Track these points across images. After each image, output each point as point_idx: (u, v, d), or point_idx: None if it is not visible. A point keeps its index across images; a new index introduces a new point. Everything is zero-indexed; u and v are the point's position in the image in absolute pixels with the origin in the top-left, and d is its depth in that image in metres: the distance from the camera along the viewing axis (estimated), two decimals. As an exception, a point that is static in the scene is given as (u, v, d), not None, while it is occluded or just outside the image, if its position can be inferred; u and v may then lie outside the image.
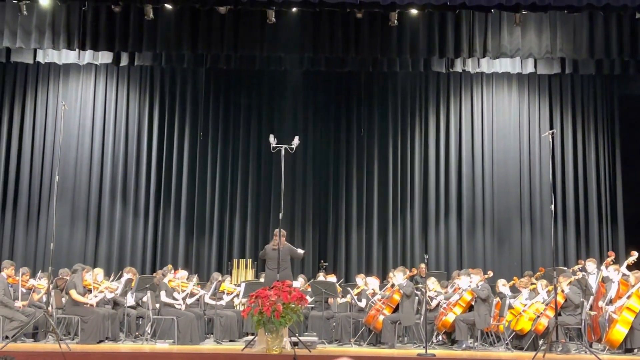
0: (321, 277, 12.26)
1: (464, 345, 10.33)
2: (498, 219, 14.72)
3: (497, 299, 10.89)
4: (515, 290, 11.40)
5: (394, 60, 13.40)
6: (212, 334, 11.27)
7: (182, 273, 11.37)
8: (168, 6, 11.75)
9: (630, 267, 10.68)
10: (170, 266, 11.68)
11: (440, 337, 11.16)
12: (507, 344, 10.42)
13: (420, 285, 11.42)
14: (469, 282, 10.73)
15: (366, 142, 15.08)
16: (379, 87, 15.21)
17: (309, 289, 11.49)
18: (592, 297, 10.58)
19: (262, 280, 11.70)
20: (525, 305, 10.47)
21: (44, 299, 10.72)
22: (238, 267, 13.99)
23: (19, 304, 10.43)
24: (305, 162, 14.97)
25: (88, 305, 10.29)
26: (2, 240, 14.36)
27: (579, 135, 14.96)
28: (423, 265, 13.08)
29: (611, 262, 10.99)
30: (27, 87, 14.85)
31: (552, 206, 10.15)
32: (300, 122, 15.03)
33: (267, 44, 12.22)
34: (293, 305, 8.95)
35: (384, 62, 13.48)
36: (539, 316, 10.14)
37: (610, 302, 10.15)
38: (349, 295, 11.50)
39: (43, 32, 11.99)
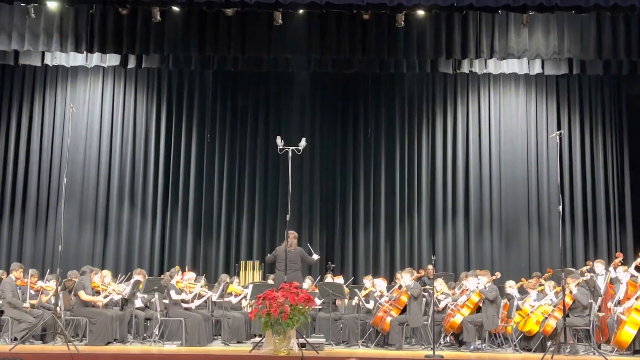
0: (329, 278, 12.26)
1: (471, 347, 10.31)
2: (506, 220, 14.69)
3: (505, 300, 10.87)
4: (523, 292, 11.36)
5: (401, 62, 13.38)
6: (219, 335, 11.29)
7: (190, 275, 11.40)
8: (175, 8, 11.77)
9: (638, 268, 10.64)
10: (178, 267, 11.70)
11: (448, 339, 11.15)
12: (515, 345, 10.41)
13: (427, 287, 11.41)
14: (476, 283, 10.72)
15: (373, 144, 15.07)
16: (386, 88, 15.20)
17: (317, 291, 11.49)
18: (600, 299, 10.54)
19: (270, 281, 11.73)
20: (533, 306, 10.44)
21: (52, 301, 10.75)
22: (245, 269, 14.00)
23: (26, 304, 10.48)
24: (312, 164, 14.98)
25: (97, 304, 10.31)
26: (11, 242, 14.43)
27: (587, 136, 14.92)
28: (430, 267, 13.04)
29: (619, 263, 10.95)
30: (35, 89, 14.91)
31: (560, 207, 10.12)
32: (307, 124, 15.04)
33: (274, 45, 12.22)
34: (300, 307, 8.95)
35: (391, 63, 13.46)
36: (547, 317, 10.12)
37: (619, 303, 10.12)
38: (356, 297, 11.50)
39: (51, 34, 12.04)
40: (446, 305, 11.06)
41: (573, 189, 14.71)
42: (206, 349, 10.14)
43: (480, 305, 10.56)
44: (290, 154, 10.42)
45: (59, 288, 10.50)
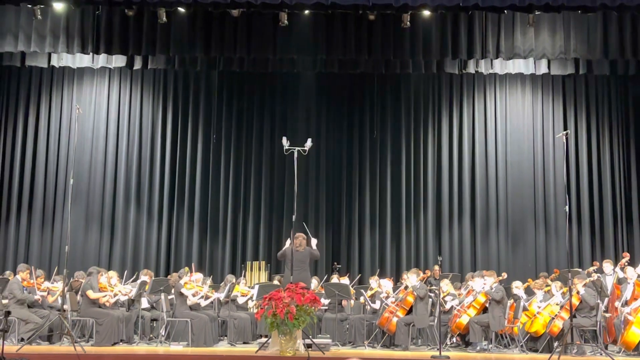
0: (335, 279, 12.25)
1: (478, 347, 10.30)
2: (512, 220, 14.67)
3: (512, 300, 10.85)
4: (529, 292, 11.34)
5: (406, 62, 13.37)
6: (225, 336, 11.29)
7: (198, 276, 11.41)
8: (181, 9, 11.79)
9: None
10: (187, 268, 11.72)
11: (454, 339, 11.13)
12: (521, 346, 10.38)
13: (434, 287, 11.40)
14: (482, 284, 10.70)
15: (379, 144, 15.06)
16: (391, 89, 15.19)
17: (323, 291, 11.49)
18: (607, 299, 10.51)
19: (276, 282, 11.74)
20: (540, 307, 10.42)
21: (59, 301, 10.78)
22: (251, 269, 14.01)
23: (37, 296, 10.54)
24: (318, 164, 14.98)
25: (105, 300, 10.33)
26: (18, 243, 14.49)
27: (593, 136, 14.88)
28: (437, 267, 13.04)
29: (626, 264, 10.91)
30: (41, 91, 14.97)
31: (567, 207, 10.09)
32: (313, 124, 15.04)
33: (279, 46, 12.23)
34: (307, 307, 8.95)
35: (396, 63, 13.45)
36: (553, 318, 10.09)
37: (626, 303, 10.08)
38: (362, 297, 11.50)
39: (57, 36, 12.07)
40: (452, 306, 11.03)
41: (580, 189, 14.67)
42: (212, 349, 10.15)
43: (487, 305, 10.55)
44: (296, 154, 10.42)
45: (66, 289, 10.52)
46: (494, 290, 10.45)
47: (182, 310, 10.55)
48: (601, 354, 9.63)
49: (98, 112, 14.94)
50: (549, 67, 13.48)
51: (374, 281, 11.92)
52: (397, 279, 13.44)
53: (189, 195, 14.87)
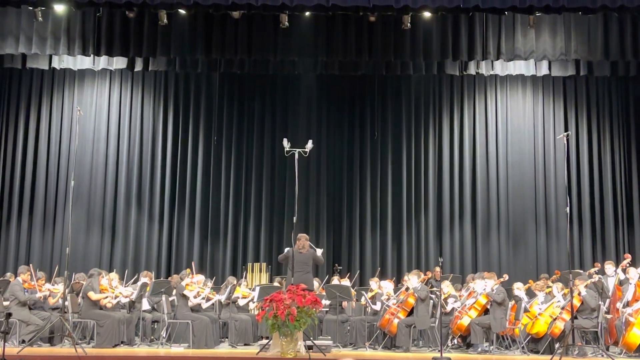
0: (335, 280, 12.25)
1: (479, 349, 10.29)
2: (513, 221, 14.66)
3: (513, 302, 10.84)
4: (531, 294, 11.34)
5: (407, 64, 13.39)
6: (226, 337, 11.28)
7: (199, 277, 11.41)
8: (182, 11, 11.81)
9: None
10: (188, 270, 11.74)
11: (455, 341, 11.12)
12: (522, 347, 10.37)
13: (435, 289, 11.39)
14: (484, 285, 10.70)
15: (380, 146, 15.06)
16: (392, 90, 15.19)
17: (324, 293, 11.48)
18: (608, 300, 10.50)
19: (276, 283, 11.73)
20: (541, 308, 10.42)
21: (60, 303, 10.78)
22: (252, 271, 14.00)
23: (39, 294, 10.54)
24: (319, 166, 14.98)
25: (106, 302, 10.33)
26: (19, 244, 14.49)
27: (594, 137, 14.88)
28: (438, 269, 13.02)
29: (627, 265, 10.90)
30: (42, 93, 14.97)
31: (568, 208, 10.08)
32: (313, 126, 15.04)
33: (280, 48, 12.25)
34: (307, 309, 8.94)
35: (397, 65, 13.47)
36: (554, 319, 10.08)
37: (627, 304, 10.07)
38: (363, 298, 11.49)
39: (58, 38, 12.09)
40: (453, 307, 11.02)
41: (581, 190, 14.67)
42: (213, 351, 10.14)
43: (488, 307, 10.54)
44: (296, 156, 10.41)
45: (67, 290, 10.52)
46: (495, 291, 10.44)
47: (183, 312, 10.55)
48: (602, 356, 9.62)
49: (99, 114, 14.95)
50: (549, 69, 13.49)
51: (374, 283, 11.91)
52: (398, 280, 13.43)
53: (190, 197, 14.87)
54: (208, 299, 11.14)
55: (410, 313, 10.69)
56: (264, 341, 10.33)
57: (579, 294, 9.98)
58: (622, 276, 10.84)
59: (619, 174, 14.72)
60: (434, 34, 12.06)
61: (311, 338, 9.59)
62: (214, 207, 14.87)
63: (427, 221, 14.85)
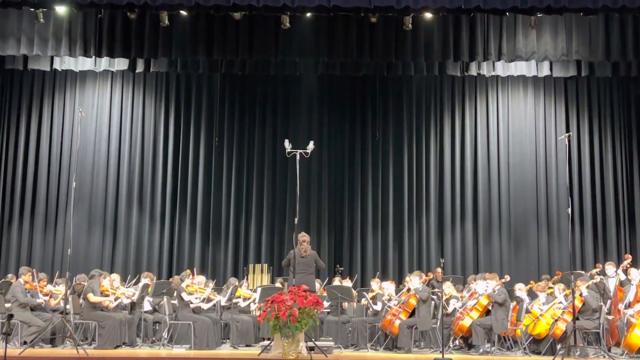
0: (337, 281, 12.25)
1: (481, 350, 10.28)
2: (515, 222, 14.66)
3: (514, 303, 10.83)
4: (532, 295, 11.33)
5: (408, 64, 13.39)
6: (228, 339, 11.28)
7: (200, 278, 11.41)
8: (183, 12, 11.81)
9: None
10: (188, 271, 11.75)
11: (457, 342, 11.12)
12: (524, 348, 10.37)
13: (436, 290, 11.39)
14: (485, 286, 10.69)
15: (381, 147, 15.06)
16: (393, 91, 15.19)
17: (325, 294, 11.48)
18: (609, 301, 10.49)
19: (278, 284, 11.72)
20: (543, 309, 10.41)
21: (62, 305, 10.78)
22: (254, 272, 14.00)
23: (40, 299, 10.53)
24: (320, 167, 14.98)
25: (106, 304, 10.34)
26: (20, 246, 14.50)
27: (596, 137, 14.87)
28: (439, 270, 13.03)
29: (628, 265, 10.90)
30: (44, 94, 14.99)
31: (569, 209, 10.08)
32: (315, 127, 15.04)
33: (281, 49, 12.25)
34: (309, 310, 8.94)
35: (398, 66, 13.47)
36: (556, 320, 10.07)
37: (629, 305, 10.06)
38: (364, 299, 11.49)
39: (60, 39, 12.10)
40: (455, 308, 11.02)
41: (582, 191, 14.66)
42: (215, 352, 10.14)
43: (490, 308, 10.53)
44: (298, 157, 10.41)
45: (68, 292, 10.52)
46: (496, 292, 10.44)
47: (184, 313, 10.54)
48: (604, 357, 9.61)
49: (100, 115, 14.96)
50: (551, 69, 13.49)
51: (375, 283, 11.91)
52: (399, 281, 13.42)
53: (192, 198, 14.87)
54: (209, 300, 11.13)
55: (412, 314, 10.69)
56: (266, 342, 10.34)
57: (581, 294, 9.97)
58: (622, 277, 10.84)
59: (620, 174, 14.71)
60: (435, 35, 12.05)
61: (313, 339, 9.59)
62: (216, 208, 14.88)
63: (429, 222, 14.85)
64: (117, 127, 14.97)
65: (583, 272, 12.24)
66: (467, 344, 10.78)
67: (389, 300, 11.11)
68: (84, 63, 13.65)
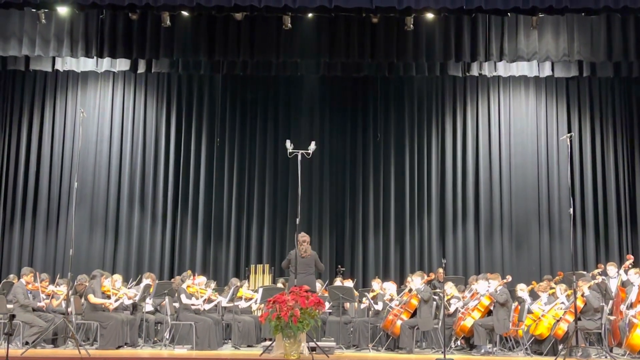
0: (338, 282, 12.25)
1: (482, 350, 10.27)
2: (516, 223, 14.65)
3: (516, 303, 10.83)
4: (534, 295, 11.32)
5: (410, 65, 13.38)
6: (230, 339, 11.29)
7: (201, 279, 11.41)
8: (185, 13, 11.80)
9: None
10: (189, 272, 11.76)
11: (458, 342, 11.11)
12: (526, 348, 10.35)
13: (438, 290, 11.38)
14: (487, 286, 10.68)
15: (383, 147, 15.06)
16: (395, 91, 15.19)
17: (326, 294, 11.49)
18: (611, 302, 10.48)
19: (279, 285, 11.72)
20: (544, 309, 10.40)
21: (63, 305, 10.79)
22: (255, 272, 14.00)
23: (41, 302, 10.55)
24: (321, 167, 14.98)
25: (107, 306, 10.34)
26: (22, 246, 14.52)
27: (597, 138, 14.87)
28: (441, 270, 13.04)
29: (629, 266, 10.89)
30: (45, 94, 15.01)
31: (571, 210, 10.08)
32: (316, 127, 15.05)
33: (283, 49, 12.25)
34: (311, 311, 8.94)
35: (400, 66, 13.47)
36: (558, 321, 10.07)
37: (631, 306, 10.05)
38: (365, 299, 11.49)
39: (61, 40, 12.10)
40: (457, 308, 11.02)
41: (584, 191, 14.66)
42: (217, 352, 10.15)
43: (491, 308, 10.52)
44: (299, 157, 10.41)
45: (70, 292, 10.53)
46: (498, 293, 10.43)
47: (186, 314, 10.55)
48: (606, 357, 9.59)
49: (102, 115, 14.98)
50: (552, 70, 13.49)
51: (376, 283, 11.91)
52: (401, 281, 13.42)
53: (193, 199, 14.89)
54: (210, 301, 11.14)
55: (414, 314, 10.69)
56: (267, 343, 10.34)
57: (582, 295, 9.96)
58: (624, 277, 10.83)
59: (622, 174, 14.71)
60: (437, 35, 12.05)
61: (314, 340, 9.59)
62: (217, 209, 14.89)
63: (430, 222, 14.85)
64: (119, 128, 14.99)
65: (585, 272, 12.23)
66: (469, 344, 10.77)
67: (391, 300, 11.11)
68: (86, 64, 13.66)
